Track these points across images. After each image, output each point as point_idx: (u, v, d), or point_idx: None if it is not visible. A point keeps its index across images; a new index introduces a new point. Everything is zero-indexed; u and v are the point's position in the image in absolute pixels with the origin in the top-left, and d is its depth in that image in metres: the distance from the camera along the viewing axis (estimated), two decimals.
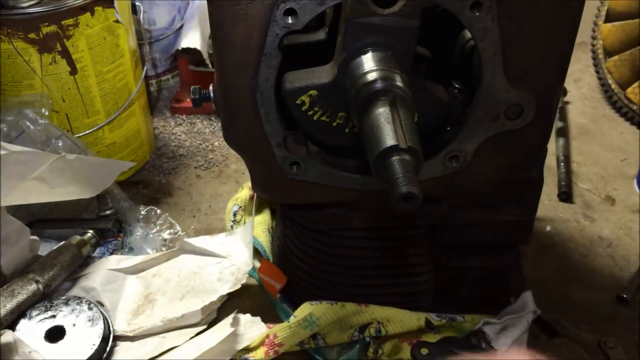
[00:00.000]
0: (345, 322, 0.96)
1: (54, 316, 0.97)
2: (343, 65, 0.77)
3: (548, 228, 1.21)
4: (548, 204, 1.27)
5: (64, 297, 1.00)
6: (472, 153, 0.82)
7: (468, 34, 0.81)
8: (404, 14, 0.74)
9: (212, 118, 1.53)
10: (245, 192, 1.21)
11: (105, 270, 1.05)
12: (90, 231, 1.10)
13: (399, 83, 0.72)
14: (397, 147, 0.64)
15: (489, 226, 0.93)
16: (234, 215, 1.19)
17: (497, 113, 0.78)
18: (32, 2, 1.09)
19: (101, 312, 0.97)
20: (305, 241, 0.96)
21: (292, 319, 0.96)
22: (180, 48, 1.52)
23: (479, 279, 0.99)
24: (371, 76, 0.73)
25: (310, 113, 0.81)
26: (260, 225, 1.13)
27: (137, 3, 1.30)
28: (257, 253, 1.09)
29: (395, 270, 0.97)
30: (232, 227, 1.18)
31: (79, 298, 0.99)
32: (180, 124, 1.54)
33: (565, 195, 1.28)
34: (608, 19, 1.57)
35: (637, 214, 1.25)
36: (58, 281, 1.01)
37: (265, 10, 0.70)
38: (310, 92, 0.79)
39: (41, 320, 0.96)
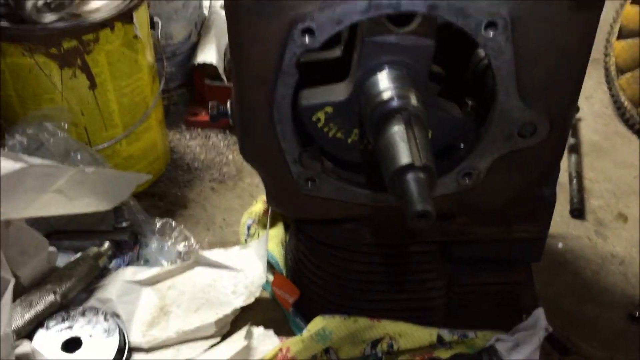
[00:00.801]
0: (357, 337, 0.97)
1: (70, 327, 0.98)
2: (359, 83, 0.78)
3: (560, 245, 1.22)
4: (560, 220, 1.27)
5: (80, 308, 1.01)
6: (485, 170, 0.83)
7: (482, 53, 0.82)
8: (420, 32, 0.75)
9: (227, 132, 1.55)
10: (259, 205, 1.23)
11: (121, 281, 1.06)
12: (107, 243, 1.12)
13: (414, 101, 0.73)
14: (412, 165, 0.65)
15: (501, 243, 0.94)
16: (248, 228, 1.20)
17: (510, 131, 0.79)
18: (53, 18, 1.11)
19: (117, 324, 0.99)
20: (319, 255, 0.97)
21: (304, 332, 0.97)
22: (196, 63, 1.54)
23: (491, 295, 0.99)
24: (387, 94, 0.74)
25: (325, 130, 0.82)
26: (274, 238, 1.14)
27: (155, 18, 1.32)
28: (270, 266, 1.10)
29: (407, 285, 0.97)
30: (246, 240, 1.19)
31: (96, 309, 1.01)
32: (195, 137, 1.56)
33: (578, 212, 1.28)
34: (621, 36, 1.58)
35: None
36: (75, 292, 1.03)
37: (283, 29, 0.71)
38: (326, 109, 0.80)
39: (58, 330, 0.98)
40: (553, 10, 0.70)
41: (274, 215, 1.16)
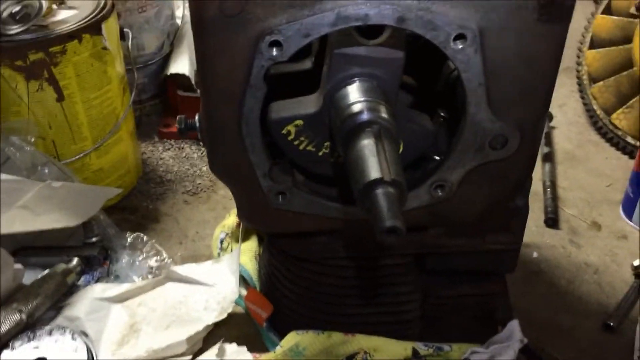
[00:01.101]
0: (332, 352, 0.96)
1: (37, 347, 0.95)
2: (329, 96, 0.77)
3: (535, 255, 1.22)
4: (535, 230, 1.28)
5: (47, 327, 0.98)
6: (457, 182, 0.83)
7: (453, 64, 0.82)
8: (389, 44, 0.75)
9: (201, 143, 1.53)
10: (232, 218, 1.21)
11: (90, 298, 1.04)
12: (76, 259, 1.09)
13: (384, 114, 0.73)
14: (381, 179, 0.64)
15: (475, 254, 0.93)
16: (221, 242, 1.18)
17: (481, 143, 0.79)
18: (19, 30, 1.09)
19: (85, 343, 0.96)
20: (292, 270, 0.96)
21: (278, 348, 0.95)
22: (168, 74, 1.52)
23: (466, 307, 0.99)
24: (356, 107, 0.73)
25: (296, 143, 0.81)
26: (248, 252, 1.12)
27: (125, 29, 1.30)
28: (244, 281, 1.09)
29: (382, 298, 0.96)
30: (219, 254, 1.18)
31: (63, 328, 0.98)
32: (169, 149, 1.54)
33: (552, 221, 1.29)
34: (592, 46, 1.60)
35: (622, 240, 1.26)
36: (42, 311, 1.00)
37: (250, 42, 0.70)
38: (296, 122, 0.79)
39: (24, 351, 0.95)
40: (521, 22, 0.69)
41: (247, 228, 1.15)
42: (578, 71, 1.64)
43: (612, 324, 1.05)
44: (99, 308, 1.03)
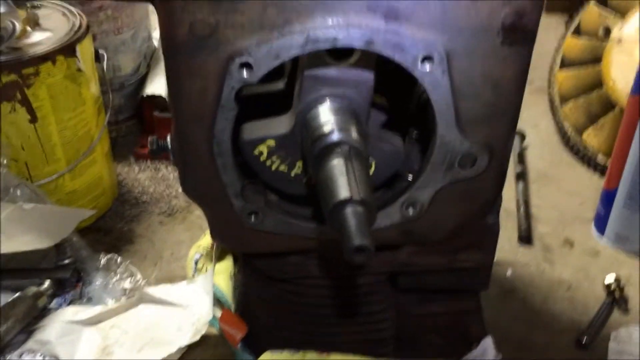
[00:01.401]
0: None
1: None
2: (300, 116, 0.78)
3: (509, 272, 1.23)
4: (508, 247, 1.29)
5: (17, 351, 0.97)
6: (428, 201, 0.83)
7: None
8: (360, 66, 0.76)
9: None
10: (207, 238, 1.20)
11: (62, 322, 1.02)
12: (48, 281, 1.08)
13: (354, 135, 0.73)
14: (350, 199, 0.64)
15: (447, 272, 0.94)
16: (196, 262, 1.18)
17: (451, 162, 0.80)
18: None
19: None
20: (265, 289, 0.96)
21: None
22: (145, 95, 1.52)
23: (440, 325, 0.99)
24: (327, 128, 0.74)
25: (268, 163, 0.81)
26: (223, 273, 1.11)
27: (100, 51, 1.30)
28: (218, 302, 1.08)
29: (356, 318, 0.96)
30: (193, 275, 1.17)
31: (33, 351, 0.97)
32: (145, 170, 1.53)
33: (525, 239, 1.30)
34: (563, 66, 1.63)
35: (594, 256, 1.27)
36: (12, 334, 0.99)
37: (220, 64, 0.71)
38: (268, 142, 0.80)
39: None
40: (486, 45, 0.71)
41: (223, 248, 1.15)
42: (550, 91, 1.67)
43: (584, 340, 1.06)
44: (71, 331, 1.02)
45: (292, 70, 0.90)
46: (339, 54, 0.76)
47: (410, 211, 0.84)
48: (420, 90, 0.88)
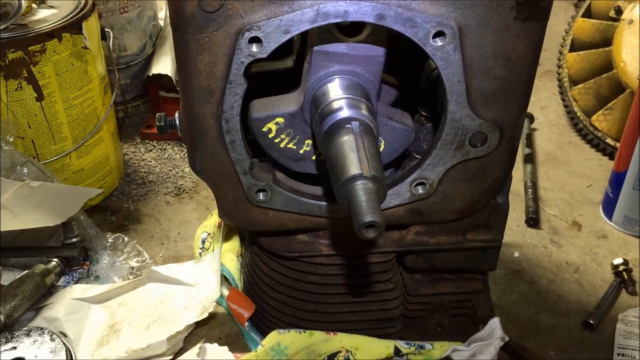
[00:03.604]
0: (313, 351, 0.95)
1: (14, 347, 0.94)
2: (309, 93, 0.77)
3: (516, 254, 1.22)
4: (516, 229, 1.28)
5: (25, 328, 0.97)
6: (437, 180, 0.83)
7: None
8: (370, 41, 0.75)
9: (183, 144, 1.52)
10: (214, 218, 1.20)
11: (69, 299, 1.02)
12: (55, 259, 1.08)
13: (364, 111, 0.73)
14: (360, 175, 0.64)
15: (456, 252, 0.93)
16: (203, 242, 1.18)
17: (461, 141, 0.79)
18: None
19: (64, 343, 0.95)
20: (273, 268, 0.96)
21: (259, 348, 0.95)
22: (150, 74, 1.52)
23: (448, 306, 0.99)
24: (336, 104, 0.73)
25: (277, 140, 0.81)
26: (229, 252, 1.12)
27: (106, 29, 1.29)
28: (226, 281, 1.08)
29: (363, 297, 0.96)
30: (200, 254, 1.17)
31: (41, 329, 0.97)
32: (151, 150, 1.53)
33: (533, 221, 1.29)
34: (573, 48, 1.61)
35: (602, 239, 1.27)
36: (20, 312, 0.99)
37: (230, 38, 0.70)
38: (277, 119, 0.79)
39: (1, 352, 0.93)
40: (500, 20, 0.70)
41: (230, 228, 1.14)
42: (559, 74, 1.65)
43: (592, 322, 1.06)
44: (79, 309, 1.02)
45: (301, 48, 0.89)
46: (349, 29, 0.75)
47: (420, 190, 0.84)
48: (430, 68, 0.87)
